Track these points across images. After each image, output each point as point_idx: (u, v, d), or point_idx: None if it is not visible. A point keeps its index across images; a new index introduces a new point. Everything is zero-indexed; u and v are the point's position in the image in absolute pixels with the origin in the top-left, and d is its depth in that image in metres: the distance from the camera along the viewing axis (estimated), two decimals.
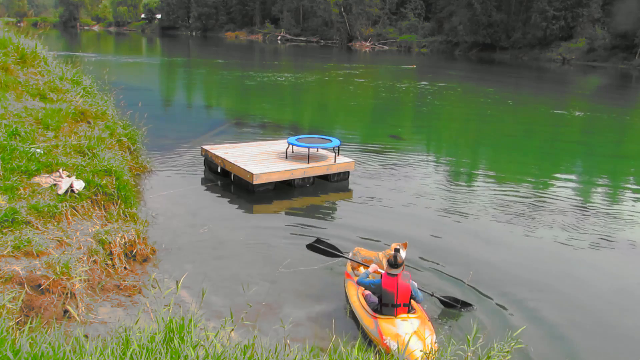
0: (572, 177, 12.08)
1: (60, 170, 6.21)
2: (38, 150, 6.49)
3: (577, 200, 9.90)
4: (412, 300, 5.05)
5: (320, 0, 74.42)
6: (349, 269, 6.02)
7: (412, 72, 36.61)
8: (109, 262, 5.53)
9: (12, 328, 3.57)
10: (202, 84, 29.11)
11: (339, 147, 10.12)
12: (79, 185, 6.12)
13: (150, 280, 4.29)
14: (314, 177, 9.83)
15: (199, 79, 30.81)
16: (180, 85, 29.09)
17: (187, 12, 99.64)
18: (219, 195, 9.38)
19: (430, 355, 4.23)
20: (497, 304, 5.81)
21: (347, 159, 10.32)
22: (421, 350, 4.33)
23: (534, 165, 12.94)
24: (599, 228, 8.32)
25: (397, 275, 4.96)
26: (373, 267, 5.56)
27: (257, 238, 7.40)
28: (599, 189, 11.18)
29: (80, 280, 4.64)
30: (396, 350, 4.21)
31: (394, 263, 4.96)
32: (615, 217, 8.90)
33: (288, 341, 3.53)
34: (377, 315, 4.95)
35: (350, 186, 10.06)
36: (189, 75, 32.33)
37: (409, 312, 4.97)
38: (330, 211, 8.93)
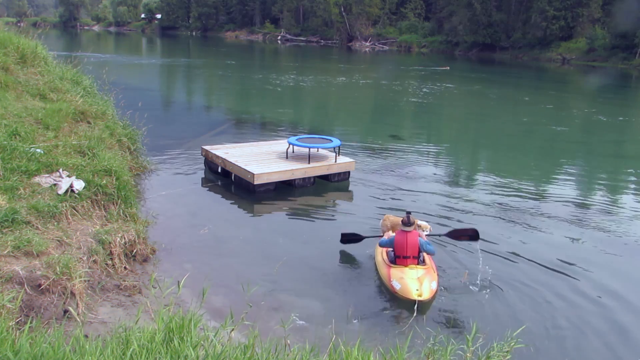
0: (572, 177, 12.08)
1: (60, 170, 6.21)
2: (38, 150, 6.49)
3: (576, 200, 9.90)
4: (424, 255, 6.14)
5: (320, 0, 74.40)
6: (386, 236, 6.80)
7: (445, 74, 35.98)
8: (109, 262, 5.53)
9: (12, 328, 3.57)
10: (202, 84, 29.11)
11: (339, 147, 10.12)
12: (79, 185, 6.12)
13: (151, 281, 4.29)
14: (315, 177, 9.83)
15: (199, 79, 30.81)
16: (180, 86, 29.09)
17: (187, 12, 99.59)
18: (220, 195, 9.38)
19: (425, 293, 5.59)
20: (496, 304, 5.82)
21: (347, 159, 10.32)
22: (418, 292, 5.57)
23: (533, 165, 12.94)
24: (599, 228, 8.32)
25: (408, 232, 6.01)
26: (388, 234, 6.68)
27: (258, 238, 7.41)
28: (599, 189, 11.18)
29: (80, 280, 4.64)
30: (400, 290, 5.69)
31: (407, 222, 6.07)
32: (615, 217, 8.90)
33: (288, 341, 3.53)
34: (391, 265, 6.08)
35: (351, 186, 10.06)
36: (188, 76, 32.35)
37: (418, 263, 6.03)
38: (331, 211, 8.92)
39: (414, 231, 6.10)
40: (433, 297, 5.72)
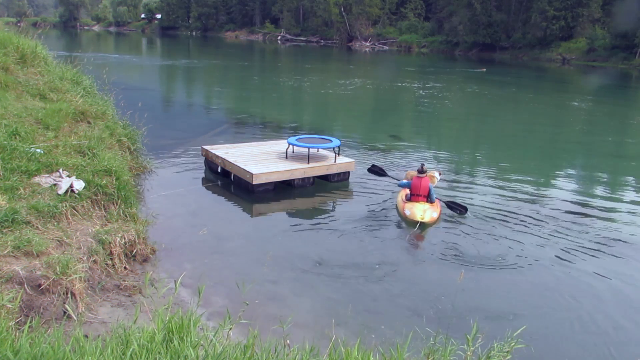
0: (572, 177, 12.08)
1: (60, 170, 6.21)
2: (38, 150, 6.49)
3: (576, 200, 9.90)
4: (432, 197, 8.27)
5: (320, 0, 74.39)
6: (404, 179, 9.28)
7: (449, 74, 35.69)
8: (109, 262, 5.53)
9: (12, 328, 3.57)
10: (202, 84, 29.10)
11: (339, 147, 10.12)
12: (79, 185, 6.12)
13: (146, 280, 4.29)
14: (314, 178, 9.82)
15: (199, 79, 30.80)
16: (180, 86, 29.09)
17: (187, 12, 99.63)
18: (219, 195, 9.38)
19: (426, 218, 7.90)
20: (496, 304, 5.82)
21: (347, 159, 10.32)
22: (421, 216, 7.89)
23: (533, 165, 12.93)
24: (599, 228, 8.32)
25: (422, 177, 8.33)
26: (407, 178, 9.33)
27: (257, 238, 7.41)
28: (599, 189, 11.17)
29: (80, 280, 4.64)
30: (409, 214, 8.01)
31: (421, 170, 8.39)
32: (615, 218, 8.89)
33: (288, 341, 3.53)
34: (406, 201, 8.37)
35: (351, 186, 10.05)
36: (188, 76, 32.34)
37: (427, 202, 8.26)
38: (331, 211, 8.92)
39: (426, 177, 8.40)
40: (433, 223, 7.99)
